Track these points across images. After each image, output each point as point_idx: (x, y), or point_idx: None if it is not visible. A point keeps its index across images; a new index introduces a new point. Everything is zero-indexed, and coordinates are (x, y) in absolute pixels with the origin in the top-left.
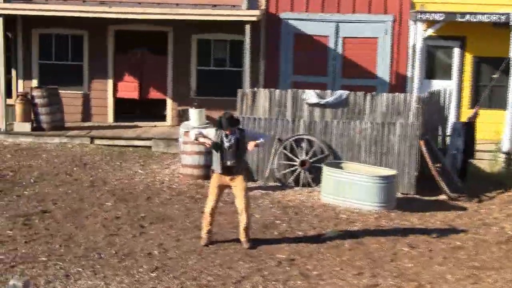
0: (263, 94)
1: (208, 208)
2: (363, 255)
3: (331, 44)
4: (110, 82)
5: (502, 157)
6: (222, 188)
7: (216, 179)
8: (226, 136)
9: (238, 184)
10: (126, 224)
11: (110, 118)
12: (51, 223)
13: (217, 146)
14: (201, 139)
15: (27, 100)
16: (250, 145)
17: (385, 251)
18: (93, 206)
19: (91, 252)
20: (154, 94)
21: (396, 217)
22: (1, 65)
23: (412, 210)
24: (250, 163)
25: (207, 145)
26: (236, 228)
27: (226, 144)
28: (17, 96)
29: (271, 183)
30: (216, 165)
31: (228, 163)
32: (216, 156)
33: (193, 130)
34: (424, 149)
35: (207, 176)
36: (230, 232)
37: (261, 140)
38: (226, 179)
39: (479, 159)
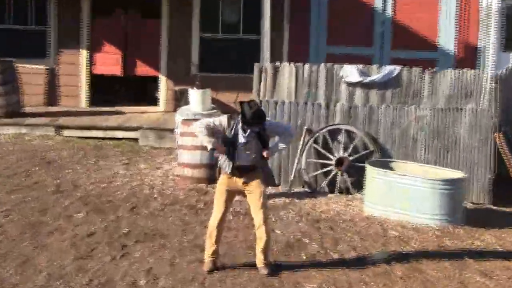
0: (287, 70)
1: (214, 222)
2: (420, 285)
3: (378, 4)
4: (84, 54)
5: None
6: (232, 194)
7: (224, 182)
8: (244, 129)
9: (253, 190)
10: (102, 243)
11: (83, 102)
12: (2, 240)
13: (228, 140)
14: (207, 142)
15: None
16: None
17: (449, 280)
18: (58, 218)
19: (55, 281)
20: (142, 69)
21: (465, 235)
22: None
23: (486, 226)
24: (270, 163)
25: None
26: (250, 249)
27: (242, 140)
28: None
29: (298, 189)
30: (226, 164)
31: (242, 162)
32: (226, 152)
33: (197, 121)
34: (502, 143)
35: (211, 179)
36: (243, 254)
37: (280, 145)
38: (238, 182)
39: None
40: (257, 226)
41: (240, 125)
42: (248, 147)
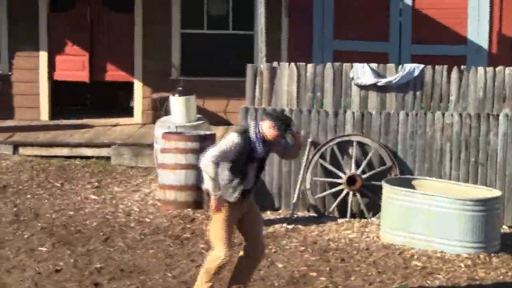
0: (287, 71)
1: (224, 258)
2: None
3: None
4: (43, 57)
5: None
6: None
7: (228, 212)
8: (262, 144)
9: (255, 213)
10: (71, 282)
11: (44, 114)
12: None
13: (240, 159)
14: (213, 190)
15: None
16: None
17: None
18: (18, 253)
19: None
20: (113, 74)
21: (502, 264)
22: None
23: None
24: (268, 182)
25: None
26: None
27: (259, 156)
28: None
29: (302, 213)
30: (231, 191)
31: (250, 185)
32: (234, 178)
33: (205, 154)
34: None
35: (199, 203)
36: None
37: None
38: (242, 207)
39: None
40: (261, 253)
41: (257, 139)
42: (257, 165)
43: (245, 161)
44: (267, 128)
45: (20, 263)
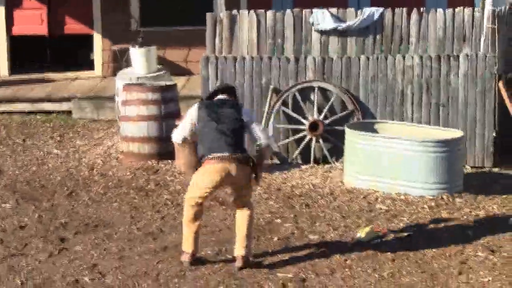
0: (247, 19)
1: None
2: (414, 267)
3: None
4: (0, 12)
5: None
6: None
7: None
8: None
9: None
10: (36, 237)
11: (3, 69)
12: None
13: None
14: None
15: None
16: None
17: (448, 259)
18: None
19: None
20: (72, 27)
21: (465, 205)
22: None
23: (489, 193)
24: None
25: None
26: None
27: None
28: None
29: (265, 161)
30: None
31: None
32: None
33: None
34: (505, 94)
35: (162, 155)
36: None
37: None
38: None
39: None
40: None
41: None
42: None
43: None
44: None
45: None
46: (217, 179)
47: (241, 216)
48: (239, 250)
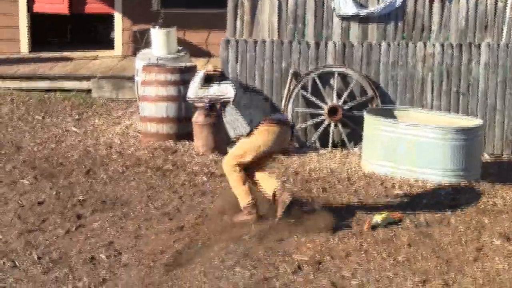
0: (268, 3)
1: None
2: (430, 253)
3: None
4: None
5: None
6: None
7: None
8: None
9: None
10: (54, 214)
11: (24, 47)
12: None
13: None
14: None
15: None
16: None
17: (464, 246)
18: (0, 186)
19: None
20: (93, 6)
21: (483, 192)
22: None
23: (507, 181)
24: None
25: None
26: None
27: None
28: None
29: None
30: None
31: None
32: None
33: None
34: None
35: (180, 135)
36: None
37: None
38: None
39: None
40: None
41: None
42: None
43: None
44: None
45: (2, 196)
46: (278, 141)
47: (264, 173)
48: (276, 184)
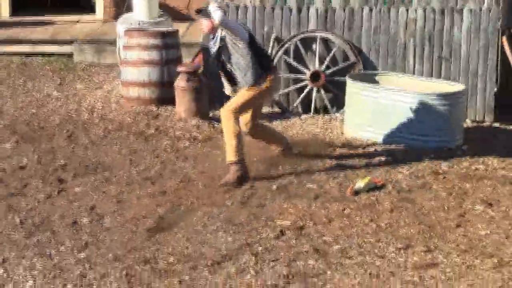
0: None
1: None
2: (412, 218)
3: None
4: None
5: None
6: None
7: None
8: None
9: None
10: (35, 178)
11: (4, 11)
12: None
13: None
14: None
15: None
16: None
17: (446, 212)
18: None
19: None
20: None
21: (465, 158)
22: None
23: (489, 147)
24: None
25: None
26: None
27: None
28: None
29: (266, 109)
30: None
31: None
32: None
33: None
34: (508, 49)
35: (162, 100)
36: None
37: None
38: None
39: None
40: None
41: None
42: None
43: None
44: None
45: None
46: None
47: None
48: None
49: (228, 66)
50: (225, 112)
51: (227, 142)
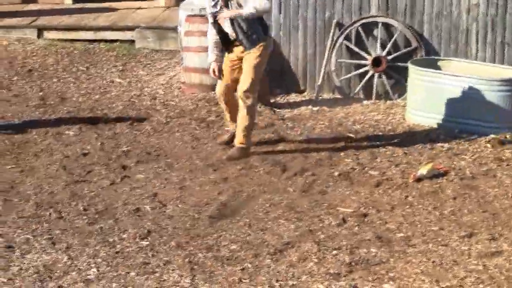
0: None
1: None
2: (476, 206)
3: None
4: None
5: None
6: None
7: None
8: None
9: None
10: (99, 165)
11: None
12: None
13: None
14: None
15: None
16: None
17: (510, 199)
18: (45, 136)
19: (45, 210)
20: None
21: None
22: None
23: None
24: (293, 64)
25: None
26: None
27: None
28: None
29: (327, 95)
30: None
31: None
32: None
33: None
34: None
35: None
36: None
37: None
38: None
39: None
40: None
41: None
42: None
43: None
44: None
45: (48, 147)
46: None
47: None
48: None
49: (228, 29)
50: (247, 94)
51: (246, 125)
